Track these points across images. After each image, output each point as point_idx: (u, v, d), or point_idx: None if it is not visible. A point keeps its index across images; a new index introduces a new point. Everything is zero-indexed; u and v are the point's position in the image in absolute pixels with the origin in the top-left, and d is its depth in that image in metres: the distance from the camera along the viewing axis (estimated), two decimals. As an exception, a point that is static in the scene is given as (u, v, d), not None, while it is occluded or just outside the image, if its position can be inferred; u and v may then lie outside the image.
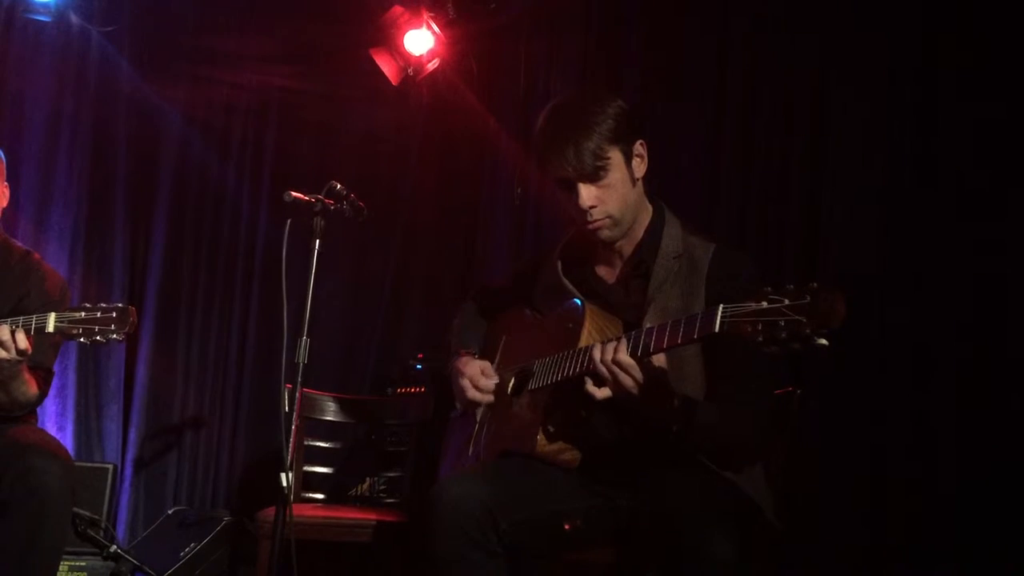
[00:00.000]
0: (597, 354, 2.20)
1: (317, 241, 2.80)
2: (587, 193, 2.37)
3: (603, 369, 2.19)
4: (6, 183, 3.26)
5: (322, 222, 2.81)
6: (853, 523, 3.27)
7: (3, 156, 3.25)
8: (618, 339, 2.20)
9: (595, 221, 2.41)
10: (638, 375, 2.17)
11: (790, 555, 2.83)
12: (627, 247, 2.50)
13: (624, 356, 2.16)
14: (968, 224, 3.21)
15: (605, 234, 2.44)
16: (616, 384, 2.18)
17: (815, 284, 1.85)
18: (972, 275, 3.18)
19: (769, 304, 1.88)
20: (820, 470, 3.28)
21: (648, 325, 2.22)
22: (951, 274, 3.22)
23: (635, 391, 2.17)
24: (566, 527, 2.37)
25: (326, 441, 3.95)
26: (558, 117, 2.43)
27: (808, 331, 1.82)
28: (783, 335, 1.85)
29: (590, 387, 2.24)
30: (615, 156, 2.37)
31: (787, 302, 1.86)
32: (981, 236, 3.18)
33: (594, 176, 2.36)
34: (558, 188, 2.44)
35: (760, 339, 1.88)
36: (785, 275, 3.52)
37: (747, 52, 3.87)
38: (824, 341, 1.83)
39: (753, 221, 3.74)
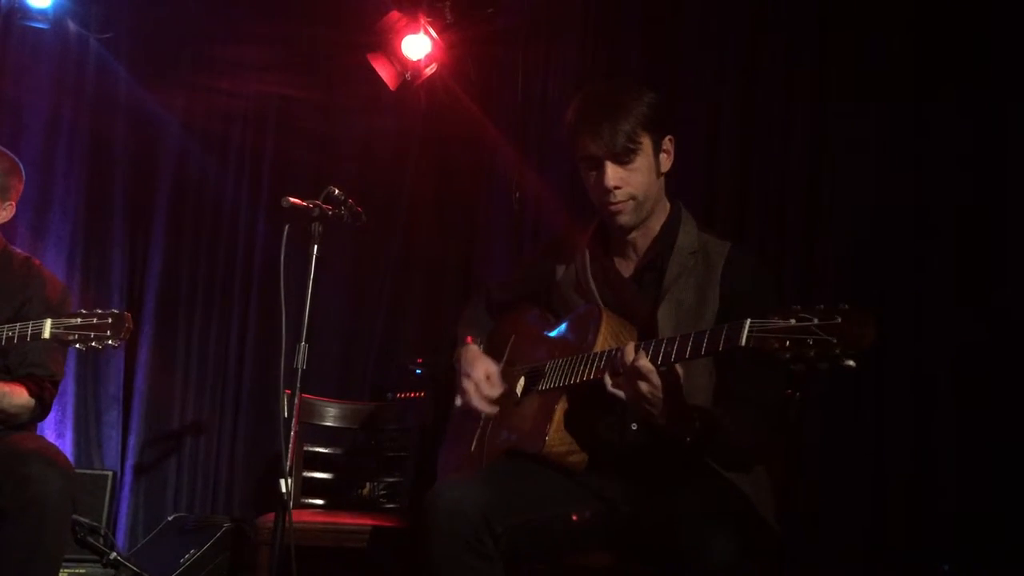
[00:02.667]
0: (619, 357, 2.19)
1: (315, 246, 2.80)
2: (613, 172, 2.39)
3: (621, 372, 2.18)
4: (15, 201, 3.28)
5: (320, 227, 2.81)
6: (853, 524, 3.27)
7: (23, 173, 3.28)
8: (639, 345, 2.19)
9: (617, 203, 2.41)
10: (656, 381, 2.16)
11: (790, 556, 2.83)
12: (642, 242, 2.51)
13: (644, 362, 2.15)
14: (967, 223, 3.22)
15: (624, 218, 2.44)
16: (633, 389, 2.17)
17: (846, 305, 1.85)
18: (973, 274, 3.19)
19: (798, 322, 1.88)
20: (820, 472, 3.28)
21: (668, 335, 2.22)
22: (952, 273, 3.23)
23: (651, 398, 2.17)
24: (574, 517, 2.36)
25: (325, 447, 3.95)
26: (596, 97, 2.45)
27: (837, 352, 1.83)
28: (811, 354, 1.86)
29: (610, 387, 2.24)
30: (646, 142, 2.39)
31: (817, 321, 1.86)
32: (981, 235, 3.19)
33: (623, 157, 2.38)
34: (583, 167, 2.45)
35: (787, 356, 1.89)
36: (786, 276, 3.54)
37: (745, 54, 3.87)
38: (852, 363, 1.83)
39: (753, 222, 3.74)
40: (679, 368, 2.19)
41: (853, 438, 3.33)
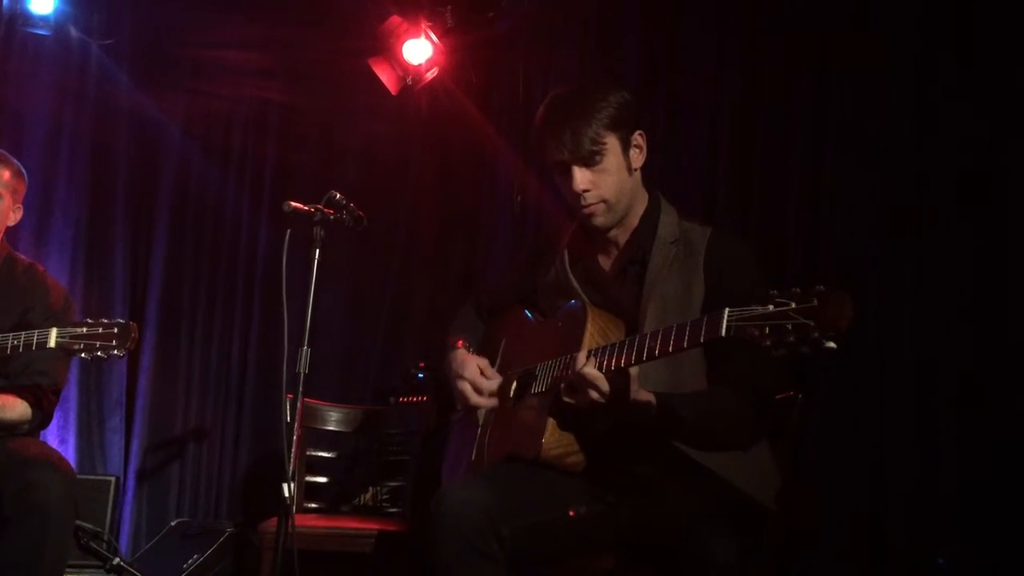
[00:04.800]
0: (571, 365, 2.22)
1: (317, 251, 2.80)
2: (581, 176, 2.39)
3: (571, 380, 2.22)
4: (21, 204, 3.28)
5: (322, 232, 2.81)
6: (853, 526, 3.27)
7: (26, 177, 3.28)
8: (597, 350, 2.20)
9: (589, 205, 2.42)
10: (604, 388, 2.18)
11: (791, 557, 2.83)
12: (622, 236, 2.51)
13: (589, 369, 2.18)
14: (967, 223, 3.22)
15: (598, 220, 2.45)
16: (582, 395, 2.21)
17: (821, 287, 1.85)
18: (972, 274, 3.19)
19: (776, 308, 1.88)
20: (820, 474, 3.28)
21: (651, 329, 2.22)
22: (951, 273, 3.23)
23: (601, 402, 2.19)
24: (571, 513, 2.36)
25: (328, 451, 3.95)
26: (559, 101, 2.44)
27: (816, 335, 1.83)
28: (791, 339, 1.86)
29: (563, 395, 2.26)
30: (611, 142, 2.39)
31: (794, 305, 1.86)
32: (980, 235, 3.18)
33: (589, 160, 2.38)
34: (554, 173, 2.46)
35: (768, 343, 1.89)
36: (787, 274, 3.54)
37: (745, 57, 3.88)
38: (833, 344, 1.83)
39: (753, 223, 3.75)
40: (632, 370, 2.20)
41: (853, 438, 3.33)
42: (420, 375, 4.37)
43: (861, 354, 3.26)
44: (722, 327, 1.97)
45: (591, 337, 2.36)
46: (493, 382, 2.58)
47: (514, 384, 2.56)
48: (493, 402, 2.57)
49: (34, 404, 3.07)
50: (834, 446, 3.32)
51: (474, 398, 2.57)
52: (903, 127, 3.41)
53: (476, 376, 2.58)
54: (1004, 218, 3.16)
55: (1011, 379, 3.06)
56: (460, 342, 2.71)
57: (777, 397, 2.54)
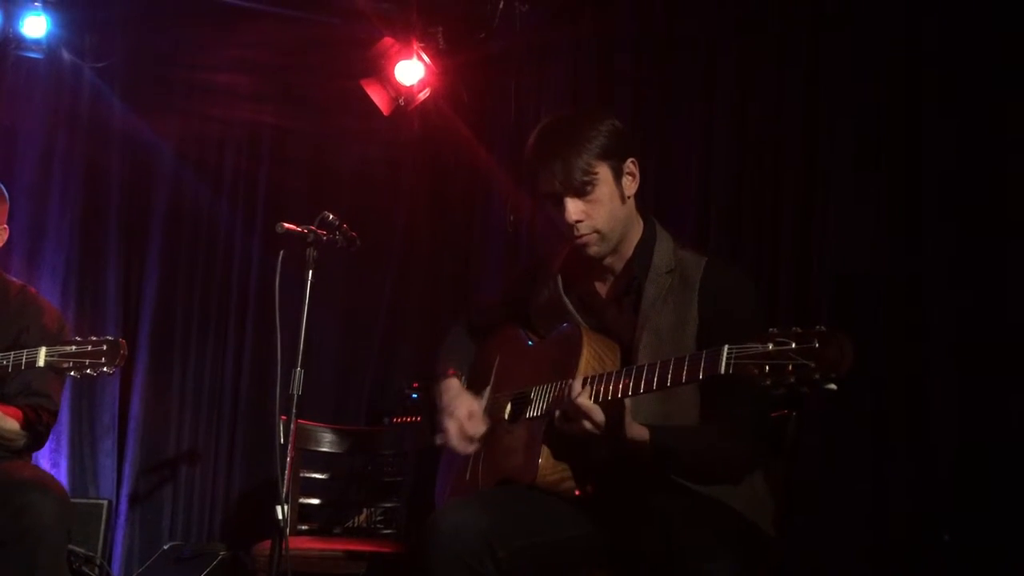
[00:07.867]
0: (565, 393, 2.22)
1: (310, 272, 2.80)
2: (574, 207, 2.37)
3: (565, 409, 2.21)
4: (6, 225, 3.28)
5: (315, 253, 2.81)
6: (853, 539, 3.27)
7: (7, 197, 3.28)
8: (589, 379, 2.21)
9: (582, 236, 2.40)
10: (598, 418, 2.18)
11: (791, 564, 2.83)
12: (617, 263, 2.49)
13: (583, 400, 2.17)
14: (964, 224, 3.23)
15: (592, 250, 2.43)
16: (576, 425, 2.21)
17: (822, 327, 1.83)
18: (970, 275, 3.19)
19: (775, 347, 1.86)
20: (820, 483, 3.28)
21: (645, 359, 2.22)
22: (949, 275, 3.23)
23: (595, 432, 2.19)
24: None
25: (322, 472, 3.93)
26: (549, 132, 2.43)
27: (817, 376, 1.81)
28: (791, 380, 1.84)
29: (557, 423, 2.25)
30: (603, 172, 2.37)
31: (794, 345, 1.84)
32: (978, 236, 3.19)
33: (581, 191, 2.36)
34: (546, 203, 2.44)
35: (768, 382, 1.87)
36: (781, 282, 3.55)
37: (737, 73, 3.90)
38: (833, 386, 1.82)
39: (748, 233, 3.76)
40: (626, 402, 2.19)
41: (852, 442, 3.34)
42: (414, 395, 4.37)
43: (859, 358, 3.26)
44: (721, 364, 1.95)
45: (587, 362, 2.34)
46: (479, 429, 2.55)
47: (508, 407, 2.55)
48: (474, 448, 2.55)
49: (33, 421, 3.06)
50: (833, 446, 3.32)
51: (457, 442, 2.54)
52: (896, 125, 3.41)
53: (464, 419, 2.55)
54: (1001, 216, 3.17)
55: (1011, 380, 3.06)
56: (452, 370, 2.68)
57: (771, 415, 2.54)
